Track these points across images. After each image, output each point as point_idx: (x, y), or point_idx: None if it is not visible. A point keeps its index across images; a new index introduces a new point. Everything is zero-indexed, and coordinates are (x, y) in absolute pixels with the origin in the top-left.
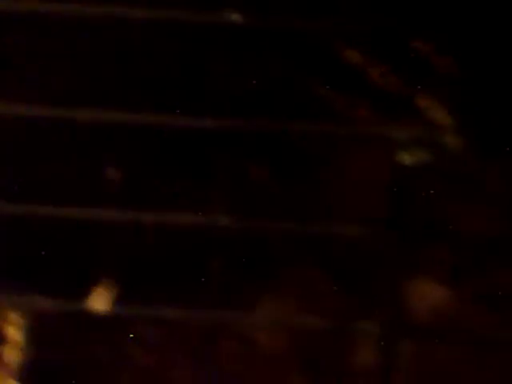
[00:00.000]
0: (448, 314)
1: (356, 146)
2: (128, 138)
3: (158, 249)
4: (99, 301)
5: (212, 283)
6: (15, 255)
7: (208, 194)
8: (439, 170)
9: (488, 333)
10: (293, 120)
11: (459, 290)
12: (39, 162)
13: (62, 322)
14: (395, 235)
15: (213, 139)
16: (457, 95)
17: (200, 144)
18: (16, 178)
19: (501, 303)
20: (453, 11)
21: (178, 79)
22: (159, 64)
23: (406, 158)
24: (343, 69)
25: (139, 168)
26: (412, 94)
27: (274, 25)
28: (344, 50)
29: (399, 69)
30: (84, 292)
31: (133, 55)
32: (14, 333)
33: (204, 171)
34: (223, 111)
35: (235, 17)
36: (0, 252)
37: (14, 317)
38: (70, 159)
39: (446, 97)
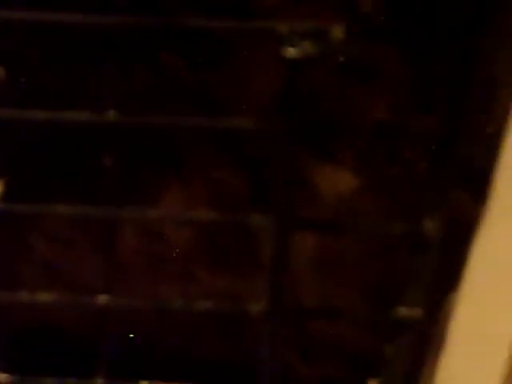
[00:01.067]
0: (350, 205)
1: (247, 40)
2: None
3: (49, 146)
4: None
5: (112, 178)
6: None
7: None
8: (327, 61)
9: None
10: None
11: (359, 180)
12: None
13: None
14: (290, 126)
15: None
16: None
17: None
18: None
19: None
20: None
21: None
22: None
23: (291, 52)
24: None
25: (27, 66)
26: None
27: None
28: None
29: None
30: None
31: None
32: None
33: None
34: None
35: None
36: None
37: None
38: None
39: None
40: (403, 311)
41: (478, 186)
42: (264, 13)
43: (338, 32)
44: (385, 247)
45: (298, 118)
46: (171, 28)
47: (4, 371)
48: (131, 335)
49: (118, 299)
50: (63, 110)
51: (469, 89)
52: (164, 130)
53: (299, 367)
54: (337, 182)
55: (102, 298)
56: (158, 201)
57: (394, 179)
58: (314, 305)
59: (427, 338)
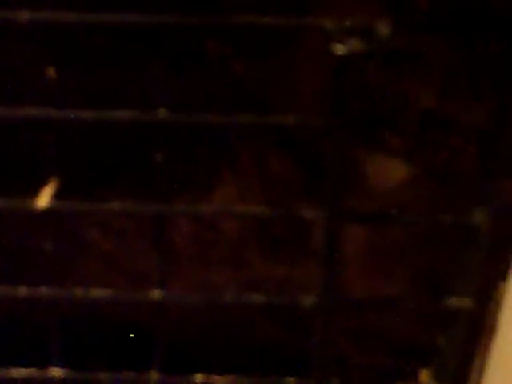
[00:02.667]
0: (400, 195)
1: (295, 37)
2: (63, 37)
3: (100, 145)
4: (44, 198)
5: (162, 172)
6: None
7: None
8: (374, 57)
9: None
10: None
11: (411, 169)
12: None
13: (11, 220)
14: (342, 120)
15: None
16: None
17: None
18: None
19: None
20: None
21: None
22: None
23: (340, 48)
24: None
25: (77, 66)
26: None
27: None
28: None
29: None
30: (30, 189)
31: None
32: None
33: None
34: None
35: None
36: None
37: None
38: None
39: None
40: (453, 301)
41: None
42: (312, 9)
43: (384, 27)
44: (434, 237)
45: (349, 112)
46: (221, 24)
47: (58, 366)
48: (185, 328)
49: (172, 292)
50: (113, 109)
51: None
52: (216, 126)
53: (352, 357)
54: (387, 171)
55: (157, 292)
56: (211, 194)
57: (444, 168)
58: (365, 295)
59: (478, 327)
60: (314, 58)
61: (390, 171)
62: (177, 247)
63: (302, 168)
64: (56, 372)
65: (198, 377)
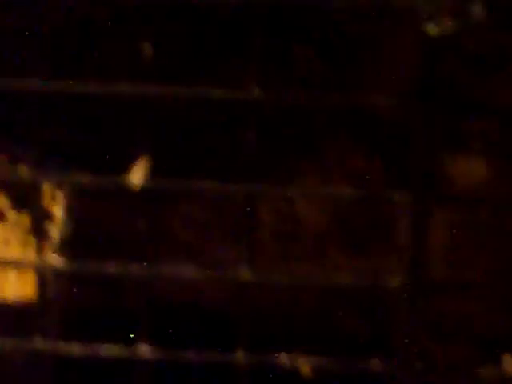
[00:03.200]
0: (484, 187)
1: (384, 19)
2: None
3: (191, 123)
4: (137, 176)
5: (249, 156)
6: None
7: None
8: (467, 41)
9: None
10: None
11: (496, 164)
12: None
13: (101, 198)
14: (428, 108)
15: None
16: None
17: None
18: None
19: None
20: None
21: None
22: None
23: (433, 29)
24: None
25: (173, 43)
26: None
27: None
28: None
29: None
30: (122, 168)
31: None
32: (58, 210)
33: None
34: None
35: None
36: (40, 133)
37: (58, 195)
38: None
39: None
40: None
41: None
42: None
43: (478, 9)
44: None
45: (437, 105)
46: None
47: (148, 344)
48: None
49: (257, 274)
50: (207, 87)
51: None
52: (304, 113)
53: (434, 343)
54: (468, 169)
55: (242, 274)
56: (294, 181)
57: None
58: (449, 281)
59: None
60: (405, 45)
61: (471, 169)
62: (260, 236)
63: (386, 160)
64: (144, 350)
65: (282, 356)
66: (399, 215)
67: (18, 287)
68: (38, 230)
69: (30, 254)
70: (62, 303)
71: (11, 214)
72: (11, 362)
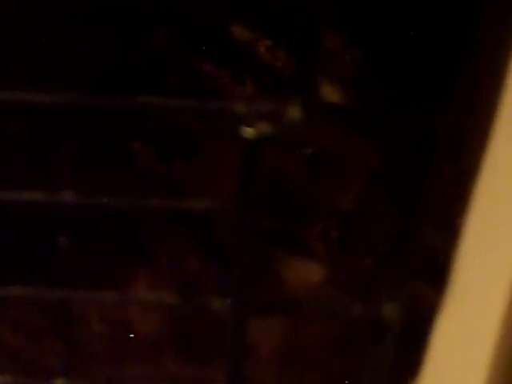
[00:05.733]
0: (310, 291)
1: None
2: None
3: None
4: None
5: (63, 260)
6: None
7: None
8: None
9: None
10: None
11: (326, 270)
12: None
13: None
14: (248, 209)
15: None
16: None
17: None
18: None
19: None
20: None
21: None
22: None
23: (249, 132)
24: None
25: None
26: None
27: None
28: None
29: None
30: None
31: None
32: None
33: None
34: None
35: None
36: None
37: None
38: None
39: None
40: None
41: (438, 276)
42: (222, 93)
43: (294, 112)
44: (346, 333)
45: (257, 200)
46: (129, 106)
47: None
48: None
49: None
50: (20, 190)
51: (431, 184)
52: (127, 213)
53: None
54: (303, 272)
55: (60, 382)
56: (125, 286)
57: (361, 269)
58: None
59: None
60: (228, 144)
61: (306, 271)
62: (85, 341)
63: (214, 260)
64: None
65: None
66: (224, 322)
67: None
68: None
69: None
70: None
71: None
72: None
